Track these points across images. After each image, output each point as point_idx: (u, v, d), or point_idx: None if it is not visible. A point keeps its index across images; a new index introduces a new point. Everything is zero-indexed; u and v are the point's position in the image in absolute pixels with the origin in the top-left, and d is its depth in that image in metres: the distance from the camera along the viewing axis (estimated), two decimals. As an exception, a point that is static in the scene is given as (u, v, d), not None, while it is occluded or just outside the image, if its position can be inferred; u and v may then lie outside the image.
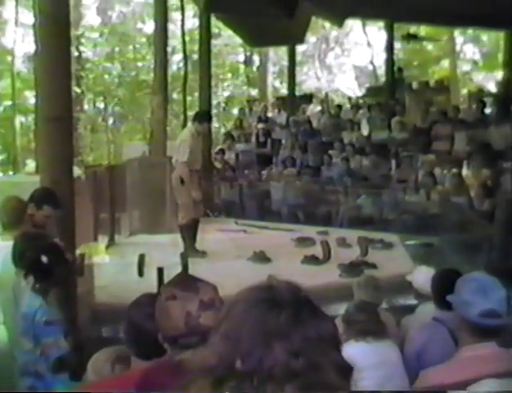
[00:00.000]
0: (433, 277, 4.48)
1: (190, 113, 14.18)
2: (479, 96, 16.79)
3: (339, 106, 18.85)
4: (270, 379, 1.35)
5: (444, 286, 3.86)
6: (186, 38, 18.38)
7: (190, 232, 9.96)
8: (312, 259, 9.45)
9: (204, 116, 10.31)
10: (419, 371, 3.32)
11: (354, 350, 3.94)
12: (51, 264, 4.19)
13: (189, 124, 10.23)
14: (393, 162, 14.67)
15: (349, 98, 21.71)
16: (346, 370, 1.43)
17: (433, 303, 4.40)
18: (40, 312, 4.11)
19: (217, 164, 16.07)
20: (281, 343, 1.37)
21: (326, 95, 21.70)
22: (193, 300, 2.30)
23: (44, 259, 4.19)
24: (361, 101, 20.22)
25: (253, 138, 17.56)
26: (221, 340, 1.44)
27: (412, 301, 5.39)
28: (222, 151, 16.72)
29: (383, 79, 22.73)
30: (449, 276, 3.99)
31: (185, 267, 7.85)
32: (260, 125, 17.60)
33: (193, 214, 9.93)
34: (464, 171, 13.12)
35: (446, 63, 31.35)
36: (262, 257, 9.54)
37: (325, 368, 1.38)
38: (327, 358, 1.39)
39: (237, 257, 9.69)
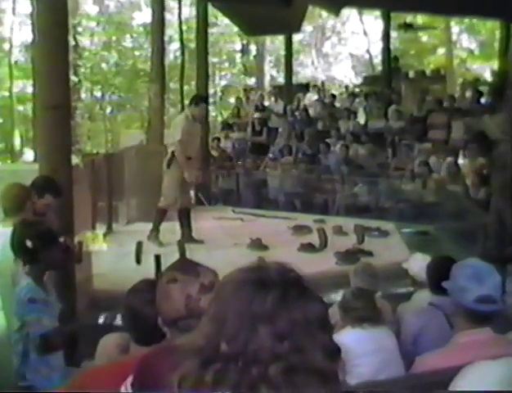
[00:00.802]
0: (429, 265, 4.50)
1: (187, 102, 14.18)
2: (475, 85, 16.80)
3: (336, 95, 18.84)
4: (255, 362, 1.34)
5: (439, 272, 3.88)
6: (183, 27, 18.33)
7: (161, 217, 9.93)
8: (308, 247, 9.47)
9: (199, 99, 10.17)
10: (415, 356, 3.34)
11: (351, 337, 3.96)
12: (36, 249, 4.22)
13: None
14: (390, 151, 14.68)
15: (346, 87, 21.69)
16: (333, 352, 1.41)
17: (429, 289, 4.42)
18: (25, 290, 4.15)
19: (214, 153, 16.06)
20: (266, 325, 1.35)
21: (323, 84, 21.69)
22: (194, 283, 2.31)
23: (29, 243, 4.22)
24: (357, 89, 20.20)
25: (249, 127, 17.52)
26: (208, 321, 1.43)
27: (408, 289, 5.40)
28: (217, 139, 16.71)
29: (379, 68, 22.68)
30: (444, 263, 4.01)
31: (182, 254, 7.87)
32: (256, 114, 17.57)
33: (172, 201, 9.87)
34: (460, 160, 13.14)
35: (442, 52, 31.32)
36: (259, 245, 9.56)
37: (311, 351, 1.36)
38: (314, 340, 1.37)
39: (234, 245, 9.70)
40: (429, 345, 3.54)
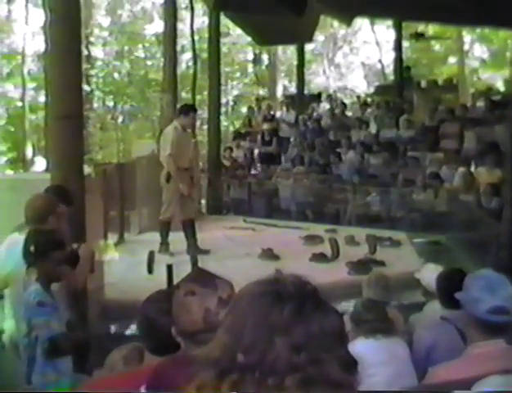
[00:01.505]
0: (438, 277, 4.47)
1: (200, 112, 14.22)
2: (487, 94, 16.75)
3: (347, 105, 18.84)
4: (271, 373, 1.35)
5: (449, 285, 3.88)
6: (196, 37, 18.34)
7: (165, 229, 9.95)
8: (320, 257, 9.46)
9: (188, 108, 10.07)
10: (427, 367, 3.32)
11: (363, 347, 3.95)
12: (39, 253, 4.27)
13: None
14: (401, 160, 14.65)
15: (358, 97, 21.69)
16: (350, 364, 1.42)
17: (439, 302, 4.40)
18: (33, 294, 4.18)
19: (226, 162, 16.08)
20: (284, 337, 1.36)
21: (335, 93, 21.70)
22: (212, 296, 2.31)
23: (32, 248, 4.29)
24: (369, 99, 20.19)
25: (259, 137, 17.54)
26: (225, 332, 1.44)
27: (420, 299, 5.38)
28: (230, 149, 16.73)
29: (391, 78, 22.69)
30: (454, 275, 4.01)
31: (194, 264, 7.87)
32: (265, 125, 17.59)
33: (170, 214, 9.86)
34: (472, 169, 13.10)
35: (454, 61, 31.27)
36: (270, 255, 9.55)
37: (328, 363, 1.37)
38: (331, 352, 1.38)
39: (246, 255, 9.70)
40: (442, 359, 3.51)
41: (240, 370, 1.37)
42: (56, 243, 4.39)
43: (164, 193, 9.88)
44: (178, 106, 11.43)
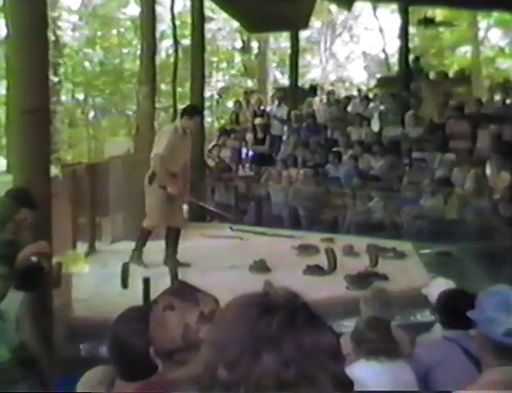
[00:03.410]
0: (439, 298, 4.49)
1: (181, 106, 14.21)
2: (506, 87, 16.73)
3: (347, 99, 18.87)
4: (258, 390, 1.35)
5: (452, 306, 3.91)
6: (177, 22, 18.38)
7: (144, 238, 9.94)
8: (315, 270, 9.45)
9: (193, 110, 10.12)
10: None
11: (365, 370, 3.95)
12: None
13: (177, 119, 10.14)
14: (407, 161, 14.68)
15: (359, 90, 21.73)
16: (345, 384, 1.43)
17: (440, 323, 4.43)
18: None
19: (211, 163, 16.06)
20: (272, 351, 1.37)
21: (332, 86, 21.74)
22: (193, 311, 2.31)
23: None
24: (371, 93, 20.24)
25: (248, 135, 17.53)
26: (207, 347, 1.45)
27: (428, 317, 5.39)
28: (219, 147, 16.67)
29: (396, 69, 22.79)
30: (456, 296, 4.04)
31: (175, 278, 7.85)
32: (257, 120, 17.60)
33: (158, 221, 9.86)
34: (488, 172, 13.11)
35: (467, 50, 31.35)
36: (259, 267, 9.53)
37: (320, 381, 1.37)
38: (324, 369, 1.39)
39: (231, 267, 9.68)
40: (443, 383, 3.52)
41: (224, 387, 1.37)
42: (13, 254, 4.35)
43: (147, 197, 9.87)
44: (157, 99, 11.43)
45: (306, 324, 1.42)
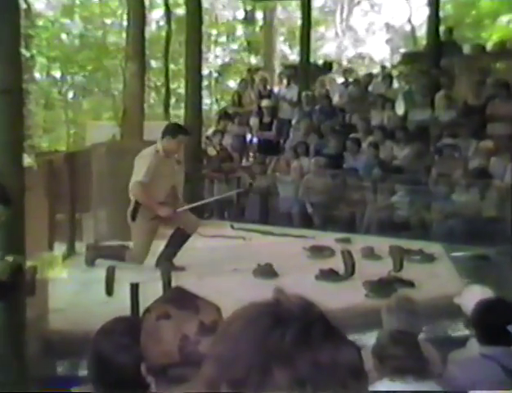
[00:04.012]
0: (475, 309, 4.49)
1: (173, 86, 14.23)
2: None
3: (367, 77, 18.85)
4: None
5: (490, 318, 3.90)
6: (169, -12, 18.39)
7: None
8: (329, 275, 9.46)
9: (175, 130, 10.02)
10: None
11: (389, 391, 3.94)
12: None
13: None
14: (436, 149, 14.66)
15: (383, 67, 21.67)
16: None
17: (476, 338, 4.42)
18: None
19: (211, 151, 16.01)
20: (284, 368, 1.36)
21: (350, 63, 21.73)
22: (191, 321, 2.30)
23: None
24: (395, 71, 20.21)
25: (252, 119, 17.53)
26: (211, 363, 1.44)
27: (462, 332, 5.39)
28: (221, 133, 16.60)
29: (424, 42, 22.72)
30: (494, 307, 4.03)
31: (168, 283, 7.85)
32: (264, 102, 17.60)
33: (143, 260, 9.79)
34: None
35: (510, 20, 31.23)
36: (265, 271, 9.55)
37: None
38: (344, 389, 1.38)
39: (233, 271, 9.70)
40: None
41: None
42: None
43: (132, 233, 9.87)
44: (146, 77, 11.40)
45: (323, 337, 1.41)
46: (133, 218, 9.66)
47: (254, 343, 1.40)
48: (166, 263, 9.59)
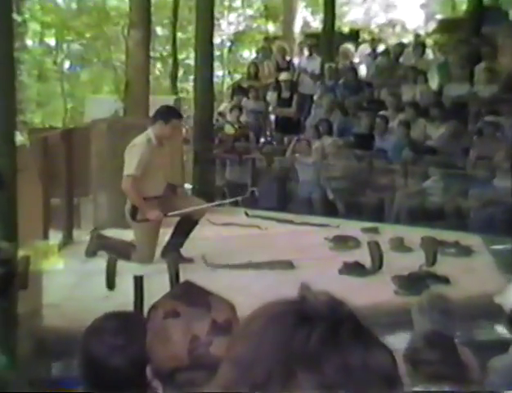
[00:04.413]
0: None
1: (182, 56, 14.24)
2: None
3: (399, 47, 18.79)
4: None
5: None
6: None
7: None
8: (354, 268, 9.48)
9: (168, 113, 9.99)
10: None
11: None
12: None
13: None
14: (476, 129, 14.62)
15: (417, 35, 21.59)
16: None
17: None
18: None
19: (229, 129, 15.97)
20: (309, 371, 1.35)
21: (379, 31, 21.69)
22: (203, 319, 2.29)
23: None
24: (429, 39, 20.15)
25: (270, 94, 17.52)
26: (229, 365, 1.44)
27: (503, 334, 5.38)
28: (238, 110, 16.55)
29: (463, 8, 22.65)
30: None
31: (175, 276, 7.87)
32: (282, 76, 17.58)
33: (149, 259, 9.78)
34: None
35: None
36: (282, 264, 9.56)
37: None
38: None
39: (248, 264, 9.71)
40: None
41: None
42: None
43: (135, 233, 9.89)
44: (152, 46, 11.38)
45: (353, 338, 1.40)
46: (133, 217, 9.68)
47: (277, 344, 1.39)
48: (173, 253, 9.58)
